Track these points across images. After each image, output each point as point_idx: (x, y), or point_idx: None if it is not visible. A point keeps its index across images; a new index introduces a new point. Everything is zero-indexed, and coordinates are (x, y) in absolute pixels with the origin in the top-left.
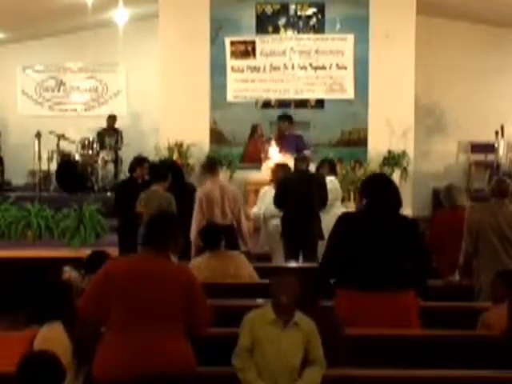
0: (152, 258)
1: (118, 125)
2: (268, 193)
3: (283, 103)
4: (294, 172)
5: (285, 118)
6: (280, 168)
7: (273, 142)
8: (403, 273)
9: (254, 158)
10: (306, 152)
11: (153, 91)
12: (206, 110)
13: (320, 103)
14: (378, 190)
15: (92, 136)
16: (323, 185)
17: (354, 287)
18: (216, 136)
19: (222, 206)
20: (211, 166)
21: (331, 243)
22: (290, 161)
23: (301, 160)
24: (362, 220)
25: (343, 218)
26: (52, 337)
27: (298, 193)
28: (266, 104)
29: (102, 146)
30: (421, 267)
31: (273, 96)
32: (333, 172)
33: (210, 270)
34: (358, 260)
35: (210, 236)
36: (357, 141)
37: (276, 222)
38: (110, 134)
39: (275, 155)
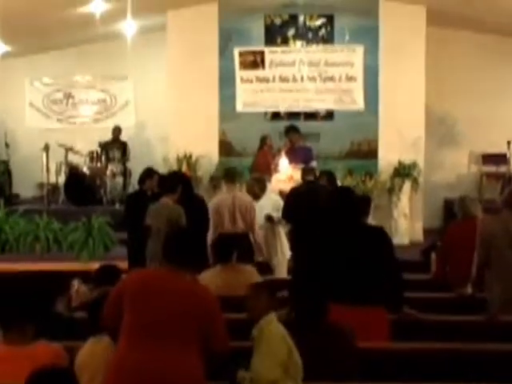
0: (171, 272)
1: (126, 137)
2: (267, 203)
3: (292, 114)
4: (302, 184)
5: (295, 130)
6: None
7: (282, 154)
8: (370, 286)
9: (263, 170)
10: (313, 163)
11: (161, 103)
12: (214, 121)
13: (329, 114)
14: (335, 203)
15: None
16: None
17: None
18: (225, 147)
19: (233, 213)
20: (229, 175)
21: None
22: (298, 172)
23: (307, 171)
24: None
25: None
26: (97, 351)
27: (306, 204)
28: (276, 115)
29: (108, 159)
30: (391, 279)
31: (282, 107)
32: (332, 184)
33: (221, 283)
34: (324, 273)
35: (220, 248)
36: (367, 152)
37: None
38: (114, 146)
39: (285, 167)
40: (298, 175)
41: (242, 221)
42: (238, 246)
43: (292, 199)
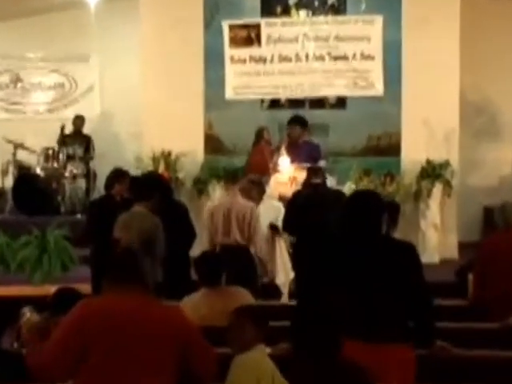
0: (136, 297)
1: (89, 129)
2: (265, 210)
3: (295, 102)
4: (308, 187)
5: (296, 122)
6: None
7: (283, 151)
8: (394, 319)
9: (259, 170)
10: (321, 162)
11: (133, 89)
12: (199, 112)
13: (341, 102)
14: (353, 211)
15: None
16: (343, 201)
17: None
18: (212, 143)
19: (228, 222)
20: (231, 175)
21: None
22: (302, 172)
23: (314, 172)
24: (339, 249)
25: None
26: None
27: (313, 213)
28: (274, 103)
29: (67, 157)
30: (420, 307)
31: (282, 93)
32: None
33: (206, 310)
34: (335, 300)
35: (205, 267)
36: (387, 148)
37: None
38: (75, 141)
39: (285, 166)
40: (302, 177)
41: (238, 231)
42: (231, 264)
43: (295, 206)
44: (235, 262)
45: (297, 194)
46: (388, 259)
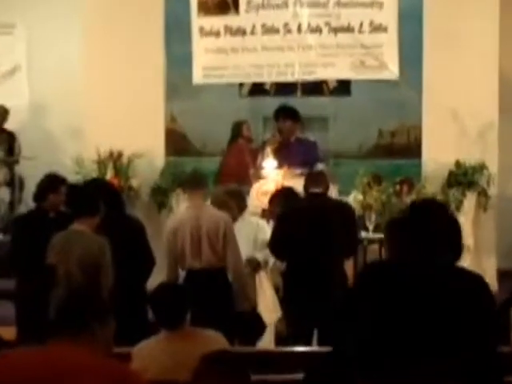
0: (66, 350)
1: (14, 124)
2: (244, 230)
3: (284, 88)
4: (304, 198)
5: (286, 114)
6: (281, 196)
7: (268, 151)
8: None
9: (237, 177)
10: (319, 166)
11: (72, 70)
12: (158, 100)
13: (344, 87)
14: (416, 229)
15: None
16: (351, 218)
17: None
18: (175, 141)
19: (197, 241)
20: (194, 180)
21: (346, 314)
22: (295, 180)
23: (314, 179)
24: (391, 281)
25: (365, 276)
26: None
27: (310, 231)
28: (257, 89)
29: None
30: (488, 352)
31: (267, 76)
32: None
33: (167, 359)
34: (389, 344)
35: (164, 305)
36: (404, 147)
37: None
38: None
39: (272, 171)
40: (293, 185)
41: (210, 251)
42: (202, 294)
43: (287, 222)
44: (207, 292)
45: (289, 207)
46: (453, 296)
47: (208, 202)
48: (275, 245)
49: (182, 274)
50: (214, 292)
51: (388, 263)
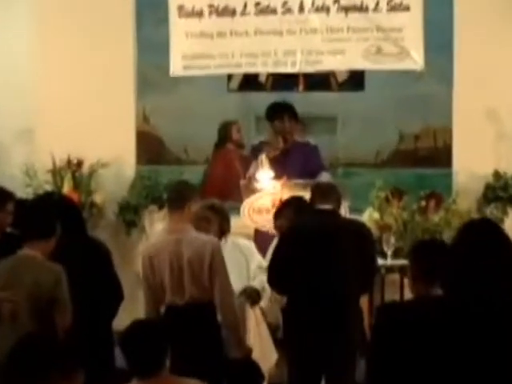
0: None
1: None
2: (231, 256)
3: (283, 80)
4: (311, 216)
5: (285, 113)
6: (290, 208)
7: (263, 159)
8: None
9: (224, 190)
10: (323, 176)
11: (20, 63)
12: (127, 96)
13: (356, 80)
14: (470, 258)
15: None
16: (368, 242)
17: None
18: (149, 147)
19: (178, 272)
20: (175, 195)
21: (373, 362)
22: (295, 194)
23: (323, 192)
24: (433, 323)
25: (389, 317)
26: None
27: (318, 258)
28: (249, 82)
29: None
30: None
31: (262, 66)
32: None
33: None
34: None
35: (137, 348)
36: (431, 153)
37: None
38: None
39: (267, 183)
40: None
41: (194, 283)
42: (184, 336)
43: (289, 247)
44: (191, 333)
45: (292, 228)
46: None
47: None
48: (274, 274)
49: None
50: (199, 333)
51: (427, 301)
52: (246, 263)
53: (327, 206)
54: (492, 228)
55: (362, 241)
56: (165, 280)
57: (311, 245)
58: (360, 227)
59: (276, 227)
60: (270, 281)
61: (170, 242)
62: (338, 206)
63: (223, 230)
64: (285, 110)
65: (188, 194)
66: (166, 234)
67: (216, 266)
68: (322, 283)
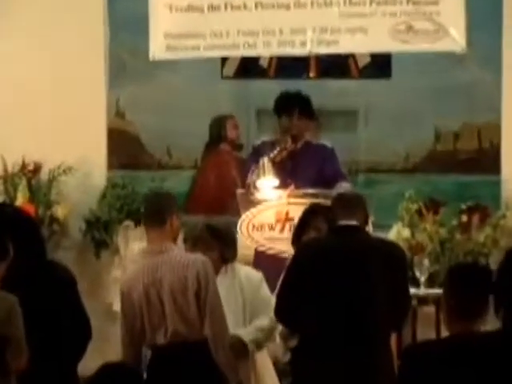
0: None
1: None
2: (227, 287)
3: (290, 65)
4: (331, 234)
5: (293, 106)
6: (317, 215)
7: (265, 161)
8: None
9: (217, 201)
10: (345, 185)
11: None
12: (96, 86)
13: (381, 65)
14: None
15: None
16: (402, 268)
17: None
18: (123, 147)
19: (158, 302)
20: (153, 211)
21: None
22: (303, 205)
23: (346, 205)
24: (473, 370)
25: (418, 361)
26: None
27: (340, 286)
28: (248, 66)
29: None
30: None
31: (264, 47)
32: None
33: None
34: None
35: None
36: (474, 156)
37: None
38: None
39: (271, 194)
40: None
41: (179, 316)
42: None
43: (303, 272)
44: (178, 379)
45: (307, 248)
46: None
47: (180, 242)
48: (283, 305)
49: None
50: (187, 379)
51: (465, 340)
52: (243, 298)
53: (352, 222)
54: None
55: (394, 266)
56: (143, 314)
57: (331, 269)
58: (392, 248)
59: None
60: (278, 313)
61: (147, 267)
62: (365, 221)
63: (225, 258)
64: (295, 102)
65: (169, 207)
66: (142, 257)
67: (206, 292)
68: (343, 318)
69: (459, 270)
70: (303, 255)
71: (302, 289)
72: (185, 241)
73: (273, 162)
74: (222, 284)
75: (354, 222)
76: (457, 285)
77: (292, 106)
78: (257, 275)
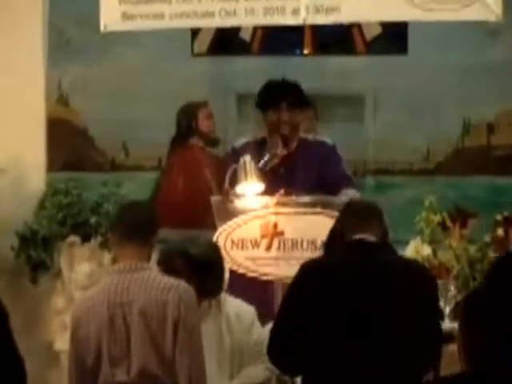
0: None
1: None
2: (210, 327)
3: (278, 37)
4: (342, 251)
5: (280, 97)
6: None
7: (246, 161)
8: None
9: (187, 209)
10: (351, 192)
11: None
12: (34, 65)
13: (395, 38)
14: None
15: None
16: (431, 294)
17: None
18: (68, 143)
19: (123, 330)
20: (135, 223)
21: None
22: (300, 218)
23: (359, 214)
24: None
25: None
26: None
27: (354, 316)
28: (226, 40)
29: None
30: None
31: (245, 16)
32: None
33: None
34: None
35: None
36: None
37: None
38: None
39: (255, 201)
40: (300, 226)
41: (149, 350)
42: None
43: (308, 300)
44: None
45: (311, 268)
46: None
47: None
48: (279, 342)
49: None
50: None
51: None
52: (220, 340)
53: (368, 237)
54: None
55: (423, 295)
56: (102, 345)
57: (340, 298)
58: (420, 270)
59: None
60: (272, 354)
61: (114, 285)
62: (384, 235)
63: (206, 292)
64: (282, 93)
65: (153, 224)
66: (108, 278)
67: (183, 326)
68: (355, 363)
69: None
70: (305, 279)
71: (302, 321)
72: (158, 263)
73: (261, 171)
74: (204, 323)
75: (370, 237)
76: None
77: (278, 97)
78: (249, 312)
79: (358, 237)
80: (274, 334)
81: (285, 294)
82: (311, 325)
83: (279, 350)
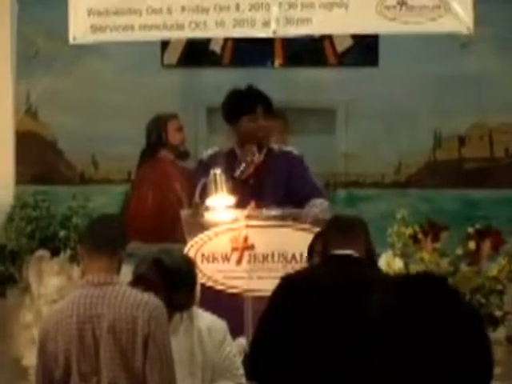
0: None
1: None
2: (180, 342)
3: (249, 49)
4: (323, 266)
5: (255, 104)
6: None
7: (216, 174)
8: None
9: (157, 223)
10: (319, 204)
11: None
12: (1, 75)
13: (366, 50)
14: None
15: None
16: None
17: None
18: (37, 156)
19: (92, 345)
20: (102, 235)
21: None
22: (271, 230)
23: (342, 229)
24: None
25: None
26: None
27: (334, 337)
28: (195, 52)
29: None
30: None
31: (216, 28)
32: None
33: None
34: None
35: None
36: (486, 167)
37: None
38: None
39: (226, 214)
40: (270, 239)
41: (118, 365)
42: None
43: (287, 317)
44: None
45: (287, 284)
46: None
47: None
48: (257, 361)
49: None
50: None
51: None
52: (193, 355)
53: (349, 252)
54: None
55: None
56: (70, 361)
57: (322, 309)
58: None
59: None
60: (250, 371)
61: (83, 299)
62: (367, 253)
63: (175, 305)
64: (256, 98)
65: (121, 238)
66: (76, 291)
67: (155, 343)
68: (338, 372)
69: None
70: (283, 293)
71: (280, 339)
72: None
73: (237, 181)
74: (175, 337)
75: (352, 252)
76: None
77: (252, 103)
78: (221, 327)
79: (340, 252)
80: (252, 351)
81: (265, 308)
82: (291, 338)
83: (257, 368)
